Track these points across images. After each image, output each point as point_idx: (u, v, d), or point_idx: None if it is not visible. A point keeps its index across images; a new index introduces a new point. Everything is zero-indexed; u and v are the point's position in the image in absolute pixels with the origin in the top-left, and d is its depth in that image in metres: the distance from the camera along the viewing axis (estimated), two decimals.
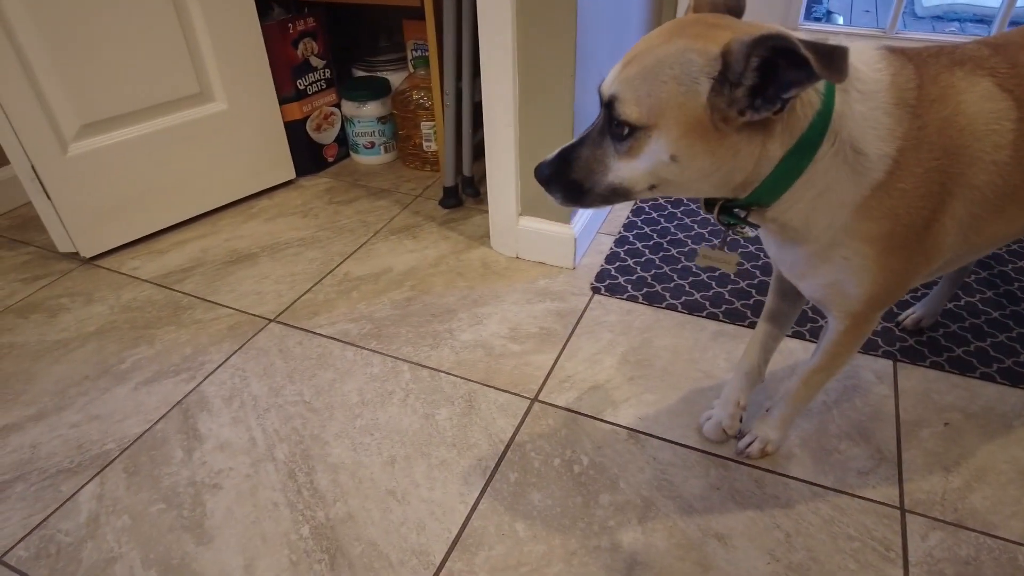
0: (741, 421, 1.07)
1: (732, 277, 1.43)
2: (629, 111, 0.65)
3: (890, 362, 1.23)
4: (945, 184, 0.70)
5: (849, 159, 0.68)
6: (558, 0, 1.21)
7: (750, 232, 0.79)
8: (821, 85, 0.65)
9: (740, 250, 1.51)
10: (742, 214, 0.75)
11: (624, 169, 0.69)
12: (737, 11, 0.70)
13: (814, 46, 0.54)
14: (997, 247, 0.86)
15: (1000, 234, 0.79)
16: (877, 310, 0.82)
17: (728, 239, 0.88)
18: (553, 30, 1.24)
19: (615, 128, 0.67)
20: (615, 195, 0.71)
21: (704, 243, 0.95)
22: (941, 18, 3.35)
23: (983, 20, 3.27)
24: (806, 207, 0.71)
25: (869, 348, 1.25)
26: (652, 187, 0.69)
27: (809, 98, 0.65)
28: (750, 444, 1.05)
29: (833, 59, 0.54)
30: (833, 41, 0.56)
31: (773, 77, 0.59)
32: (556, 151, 0.74)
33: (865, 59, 0.68)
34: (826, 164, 0.68)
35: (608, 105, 0.67)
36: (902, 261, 0.74)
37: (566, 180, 0.72)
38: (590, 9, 1.27)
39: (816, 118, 0.65)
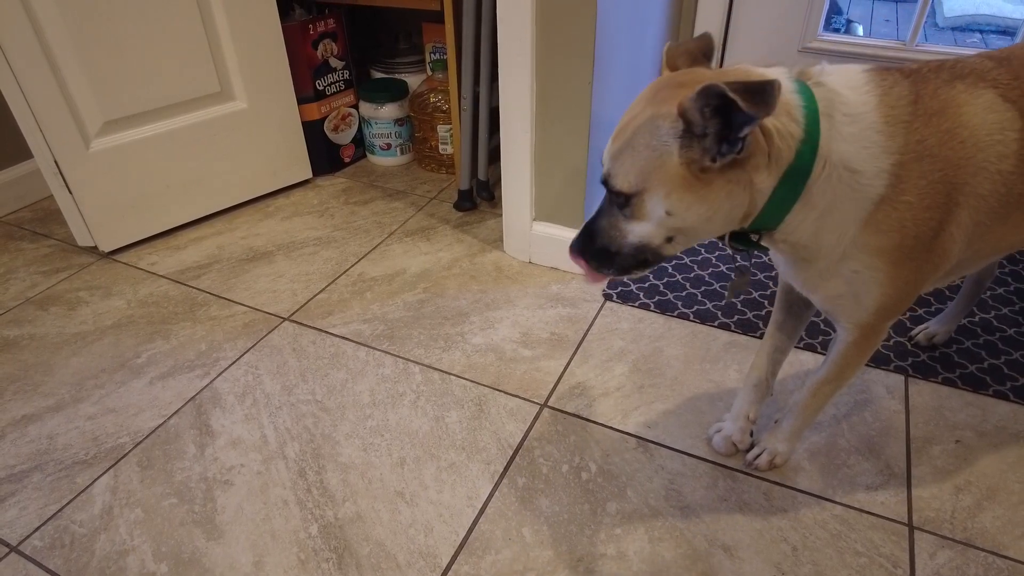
0: (752, 435, 1.07)
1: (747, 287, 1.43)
2: (621, 183, 0.71)
3: (902, 377, 1.22)
4: (950, 194, 0.71)
5: (845, 178, 0.70)
6: (578, 6, 1.21)
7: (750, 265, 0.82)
8: (800, 116, 0.67)
9: (754, 260, 1.51)
10: (755, 238, 0.78)
11: (637, 229, 0.73)
12: (708, 52, 0.76)
13: (743, 87, 0.59)
14: (1000, 255, 0.87)
15: (1004, 242, 0.80)
16: (886, 320, 0.82)
17: (738, 264, 0.91)
18: (572, 36, 1.25)
19: (616, 199, 0.73)
20: (642, 253, 0.76)
21: (730, 283, 1.03)
22: (963, 29, 3.32)
23: (1007, 31, 3.23)
24: (812, 226, 0.73)
25: (881, 362, 1.25)
26: (669, 239, 0.74)
27: (788, 130, 0.67)
28: (759, 456, 1.05)
29: (761, 95, 0.59)
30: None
31: (731, 121, 0.63)
32: (582, 227, 0.80)
33: (851, 83, 0.70)
34: (822, 186, 0.70)
35: (605, 181, 0.73)
36: (912, 271, 0.75)
37: (594, 249, 0.78)
38: (609, 17, 1.27)
39: (802, 147, 0.68)
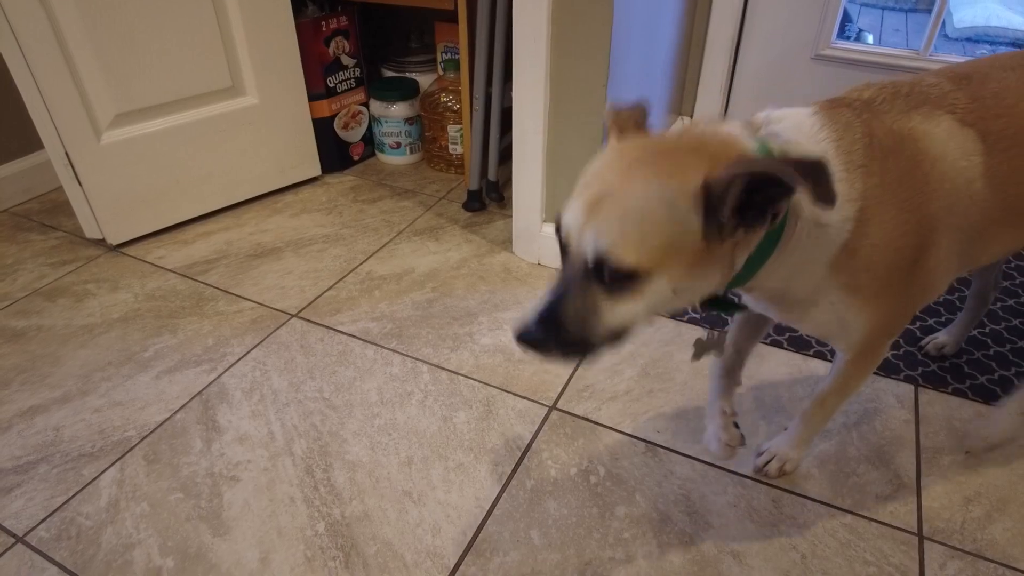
0: (738, 427, 1.02)
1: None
2: (628, 260, 0.60)
3: (912, 387, 1.22)
4: (923, 224, 0.70)
5: (813, 233, 0.67)
6: (594, 8, 1.21)
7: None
8: None
9: None
10: (734, 299, 0.76)
11: (624, 312, 0.64)
12: (648, 119, 0.69)
13: (799, 166, 0.53)
14: (998, 259, 0.87)
15: (996, 252, 0.80)
16: (884, 340, 0.82)
17: (716, 327, 0.90)
18: (588, 38, 1.25)
19: (612, 277, 0.62)
20: (618, 338, 0.67)
21: (697, 338, 0.95)
22: (973, 40, 3.32)
23: (1016, 44, 3.23)
24: (783, 275, 0.70)
25: (891, 372, 1.24)
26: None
27: None
28: (768, 462, 1.04)
29: (821, 179, 0.53)
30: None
31: (758, 191, 0.57)
32: (533, 312, 0.66)
33: (805, 131, 0.67)
34: (793, 244, 0.67)
35: (599, 258, 0.61)
36: (893, 297, 0.74)
37: (562, 342, 0.66)
38: (625, 19, 1.27)
39: None
